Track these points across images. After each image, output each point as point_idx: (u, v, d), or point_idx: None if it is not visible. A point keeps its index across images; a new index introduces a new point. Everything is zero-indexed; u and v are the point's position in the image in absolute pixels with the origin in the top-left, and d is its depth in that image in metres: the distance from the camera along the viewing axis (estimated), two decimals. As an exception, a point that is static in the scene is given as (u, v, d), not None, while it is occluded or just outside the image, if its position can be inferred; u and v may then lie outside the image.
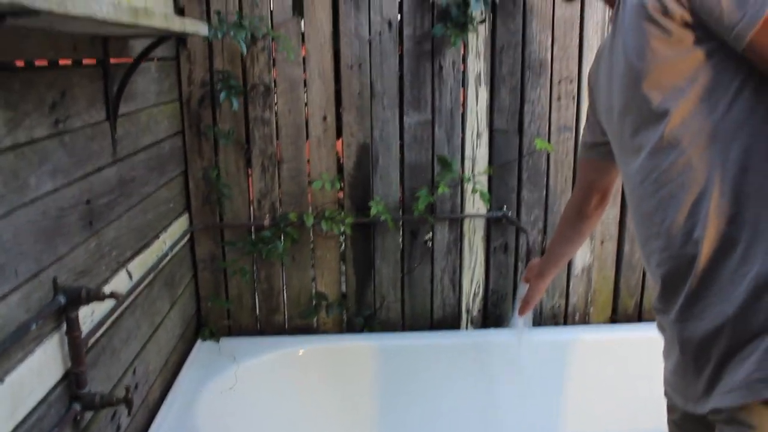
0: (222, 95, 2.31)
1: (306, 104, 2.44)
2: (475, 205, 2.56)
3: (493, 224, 2.59)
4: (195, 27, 1.68)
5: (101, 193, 1.64)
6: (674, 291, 1.12)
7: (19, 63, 1.27)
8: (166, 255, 2.14)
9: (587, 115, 1.50)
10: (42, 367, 1.33)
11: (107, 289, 1.64)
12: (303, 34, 2.39)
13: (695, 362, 1.11)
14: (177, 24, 1.50)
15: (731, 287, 1.03)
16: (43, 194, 1.34)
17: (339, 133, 2.49)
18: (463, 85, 2.47)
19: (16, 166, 1.23)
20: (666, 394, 1.29)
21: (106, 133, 1.68)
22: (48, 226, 1.36)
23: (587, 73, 1.48)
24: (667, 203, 1.09)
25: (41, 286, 1.33)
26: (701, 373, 1.10)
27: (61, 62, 1.45)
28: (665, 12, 1.03)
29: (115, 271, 1.73)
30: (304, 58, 2.40)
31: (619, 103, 1.18)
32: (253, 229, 2.53)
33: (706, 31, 1.00)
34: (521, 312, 1.83)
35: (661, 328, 1.24)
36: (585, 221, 1.64)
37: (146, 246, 1.98)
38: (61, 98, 1.42)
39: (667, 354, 1.23)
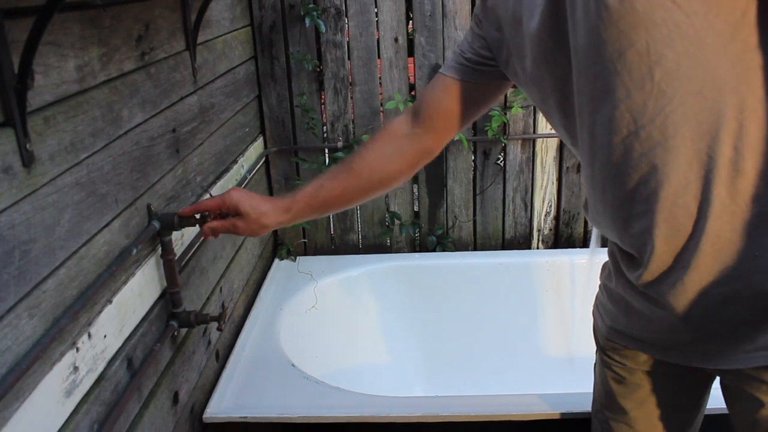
0: (307, 20, 2.31)
1: (377, 26, 2.42)
2: (548, 125, 2.52)
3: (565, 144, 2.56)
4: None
5: (185, 121, 1.70)
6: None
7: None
8: (244, 178, 2.21)
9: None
10: (142, 288, 1.42)
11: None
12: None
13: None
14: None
15: None
16: (135, 125, 1.40)
17: (411, 54, 2.47)
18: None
19: (110, 99, 1.29)
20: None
21: (186, 62, 1.72)
22: (141, 156, 1.42)
23: None
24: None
25: (138, 213, 1.41)
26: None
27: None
28: None
29: (199, 196, 1.81)
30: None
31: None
32: (326, 151, 2.57)
33: None
34: None
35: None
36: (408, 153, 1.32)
37: (226, 170, 2.05)
38: (146, 30, 1.46)
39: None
